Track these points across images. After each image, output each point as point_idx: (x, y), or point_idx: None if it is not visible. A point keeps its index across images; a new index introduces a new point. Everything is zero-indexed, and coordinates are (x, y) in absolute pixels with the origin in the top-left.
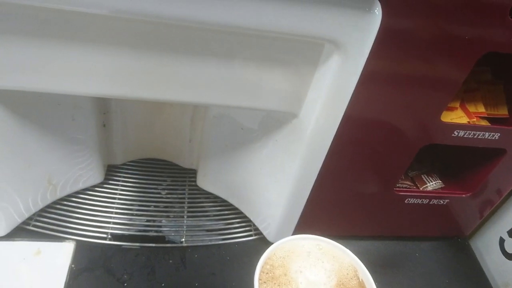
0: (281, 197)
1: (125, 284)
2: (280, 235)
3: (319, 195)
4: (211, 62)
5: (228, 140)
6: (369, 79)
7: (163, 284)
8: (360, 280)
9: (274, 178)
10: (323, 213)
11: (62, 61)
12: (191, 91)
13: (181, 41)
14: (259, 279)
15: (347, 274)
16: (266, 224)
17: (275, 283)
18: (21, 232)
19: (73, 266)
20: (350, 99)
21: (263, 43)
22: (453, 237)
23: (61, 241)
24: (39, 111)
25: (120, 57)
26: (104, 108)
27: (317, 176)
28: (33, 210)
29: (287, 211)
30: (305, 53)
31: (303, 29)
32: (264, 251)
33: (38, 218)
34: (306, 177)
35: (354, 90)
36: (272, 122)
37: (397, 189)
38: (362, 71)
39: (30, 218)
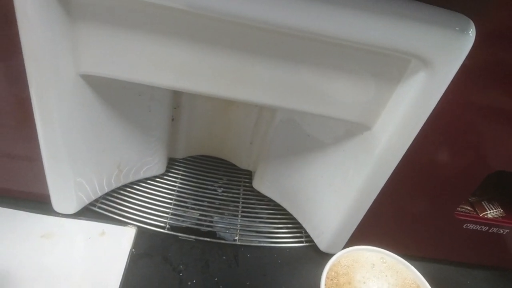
0: (340, 208)
1: (181, 274)
2: (333, 245)
3: (378, 210)
4: (292, 66)
5: (291, 146)
6: (450, 100)
7: (216, 279)
8: None
9: (335, 188)
10: (378, 228)
11: (154, 54)
12: (274, 93)
13: (265, 44)
14: (324, 285)
15: None
16: (319, 232)
17: None
18: (87, 212)
19: (133, 250)
20: (428, 118)
21: (350, 53)
22: (508, 269)
23: (124, 225)
24: (122, 100)
25: (204, 55)
26: (175, 103)
27: (380, 191)
28: (100, 193)
29: (343, 223)
30: (389, 68)
31: (394, 43)
32: (315, 259)
33: (103, 201)
34: (369, 190)
35: (433, 110)
36: (342, 132)
37: (457, 213)
38: (445, 91)
39: (96, 200)
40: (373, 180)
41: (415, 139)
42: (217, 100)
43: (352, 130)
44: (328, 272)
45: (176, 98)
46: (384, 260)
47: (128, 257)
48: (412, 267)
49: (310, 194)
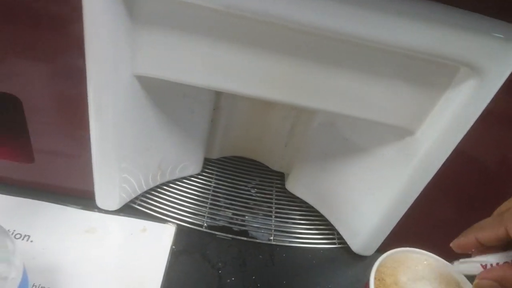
0: (375, 211)
1: (220, 272)
2: (366, 247)
3: (413, 215)
4: (340, 71)
5: (328, 149)
6: (495, 109)
7: (253, 277)
8: None
9: (372, 192)
10: (412, 232)
11: (206, 57)
12: (321, 97)
13: (313, 48)
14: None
15: None
16: (352, 234)
17: None
18: (128, 209)
19: (173, 247)
20: (472, 126)
21: (399, 59)
22: None
23: (164, 223)
24: (168, 101)
25: (254, 58)
26: (215, 104)
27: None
28: (140, 191)
29: (378, 226)
30: (438, 74)
31: (444, 51)
32: (348, 260)
33: (143, 199)
34: (407, 196)
35: (478, 118)
36: (383, 136)
37: None
38: (491, 100)
39: (136, 198)
40: (412, 185)
41: (457, 147)
42: (256, 102)
43: (394, 134)
44: (375, 273)
45: (217, 99)
46: (429, 262)
47: (169, 254)
48: (456, 270)
49: (345, 197)
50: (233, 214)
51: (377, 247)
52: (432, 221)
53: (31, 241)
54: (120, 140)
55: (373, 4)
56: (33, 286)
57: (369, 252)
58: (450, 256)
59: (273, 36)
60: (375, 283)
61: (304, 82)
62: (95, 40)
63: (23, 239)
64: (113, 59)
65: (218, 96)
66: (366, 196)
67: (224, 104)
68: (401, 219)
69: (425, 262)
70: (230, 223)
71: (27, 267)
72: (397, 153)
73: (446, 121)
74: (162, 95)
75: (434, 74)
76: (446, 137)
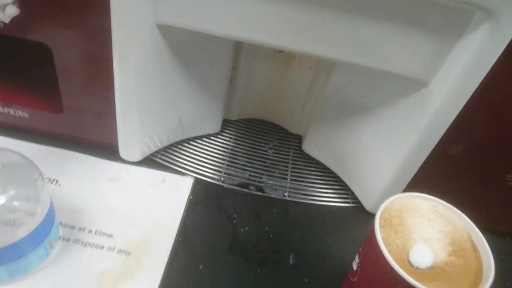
0: (389, 168)
1: (234, 222)
2: (379, 206)
3: (426, 172)
4: (355, 18)
5: (343, 108)
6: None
7: (266, 228)
8: (474, 244)
9: (386, 149)
10: (426, 191)
11: (227, 4)
12: (336, 45)
13: None
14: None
15: (461, 237)
16: (367, 193)
17: (391, 230)
18: (149, 162)
19: (191, 197)
20: (486, 75)
21: (413, 5)
22: None
23: (183, 175)
24: (189, 54)
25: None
26: (234, 63)
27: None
28: (161, 145)
29: (392, 183)
30: (453, 20)
31: None
32: (361, 218)
33: (163, 153)
34: (420, 152)
35: (493, 66)
36: (397, 91)
37: (508, 180)
38: (507, 46)
39: (157, 152)
40: (426, 139)
41: (471, 97)
42: (274, 62)
43: (409, 88)
44: (381, 213)
45: (236, 59)
46: (436, 208)
47: (186, 203)
48: (464, 216)
49: (360, 156)
50: (250, 173)
51: None
52: (445, 177)
53: (59, 185)
54: (142, 93)
55: None
56: (60, 223)
57: None
58: (464, 212)
59: None
60: (381, 223)
61: (322, 30)
62: None
63: (51, 183)
64: (136, 6)
65: (237, 54)
66: (380, 154)
67: (243, 63)
68: (414, 178)
69: (433, 207)
70: (247, 180)
71: (55, 207)
72: (411, 107)
73: (460, 70)
74: (182, 49)
75: (450, 20)
76: (460, 87)
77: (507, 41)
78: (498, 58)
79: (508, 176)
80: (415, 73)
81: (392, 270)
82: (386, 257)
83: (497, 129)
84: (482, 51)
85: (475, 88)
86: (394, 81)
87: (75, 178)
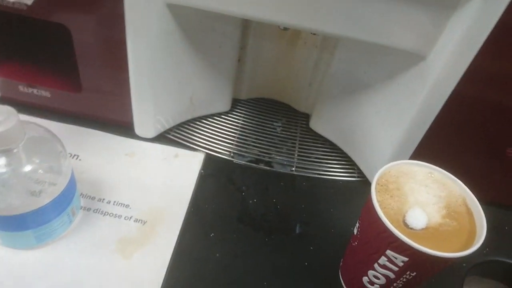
0: (392, 141)
1: (243, 194)
2: None
3: (427, 145)
4: None
5: (348, 85)
6: (504, 28)
7: (274, 200)
8: (468, 208)
9: (388, 123)
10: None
11: None
12: (335, 20)
13: None
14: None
15: (456, 201)
16: (371, 167)
17: (388, 194)
18: (163, 138)
19: (202, 171)
20: (481, 48)
21: None
22: None
23: (194, 151)
24: (197, 34)
25: None
26: (242, 43)
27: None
28: (173, 123)
29: (394, 157)
30: None
31: None
32: (365, 193)
33: (176, 130)
34: (420, 124)
35: (487, 39)
36: (397, 66)
37: (509, 150)
38: (500, 18)
39: (170, 129)
40: (426, 112)
41: (467, 70)
42: (281, 42)
43: (408, 62)
44: (378, 179)
45: (243, 38)
46: (432, 175)
47: (198, 176)
48: (460, 182)
49: (365, 131)
50: (259, 149)
51: None
52: (446, 150)
53: (80, 159)
54: (154, 72)
55: None
56: (81, 194)
57: None
58: (467, 185)
59: None
60: (377, 188)
61: (324, 6)
62: None
63: (72, 157)
64: None
65: (244, 34)
66: (383, 129)
67: (250, 43)
68: (416, 152)
69: (429, 174)
70: (256, 156)
71: (77, 179)
72: (410, 81)
73: (456, 42)
74: (191, 29)
75: None
76: (456, 59)
77: (502, 11)
78: (494, 28)
79: (509, 147)
80: (413, 46)
81: (387, 229)
82: (381, 217)
83: (496, 99)
84: (477, 22)
85: (472, 59)
86: (394, 56)
87: (94, 154)
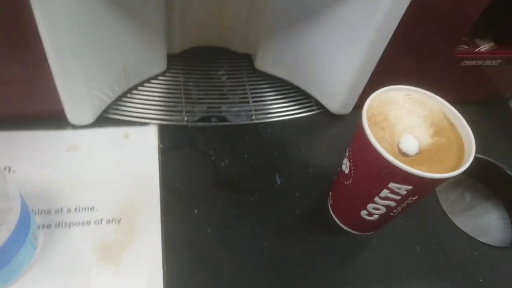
0: (349, 68)
1: (212, 158)
2: (344, 106)
3: (385, 64)
4: None
5: (292, 17)
6: None
7: (246, 156)
8: (450, 120)
9: (344, 50)
10: (386, 82)
11: None
12: None
13: None
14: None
15: (438, 117)
16: (330, 96)
17: (378, 127)
18: (105, 120)
19: (161, 146)
20: None
21: None
22: (496, 99)
23: (145, 125)
24: None
25: None
26: None
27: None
28: (110, 99)
29: (353, 83)
30: None
31: None
32: (329, 122)
33: (116, 107)
34: (378, 44)
35: None
36: None
37: (457, 51)
38: None
39: (108, 107)
40: (382, 32)
41: None
42: None
43: None
44: (365, 114)
45: None
46: (411, 96)
47: (158, 153)
48: (437, 97)
49: (318, 62)
50: (210, 104)
51: (353, 104)
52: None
53: (13, 171)
54: (76, 45)
55: None
56: (32, 211)
57: (347, 110)
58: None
59: None
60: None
61: None
62: None
63: (4, 171)
64: None
65: None
66: (338, 56)
67: None
68: (372, 73)
69: (408, 96)
70: (209, 114)
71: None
72: (360, 11)
73: None
74: None
75: None
76: None
77: None
78: None
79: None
80: None
81: (390, 165)
82: (383, 154)
83: (441, 23)
84: None
85: None
86: None
87: (28, 160)
